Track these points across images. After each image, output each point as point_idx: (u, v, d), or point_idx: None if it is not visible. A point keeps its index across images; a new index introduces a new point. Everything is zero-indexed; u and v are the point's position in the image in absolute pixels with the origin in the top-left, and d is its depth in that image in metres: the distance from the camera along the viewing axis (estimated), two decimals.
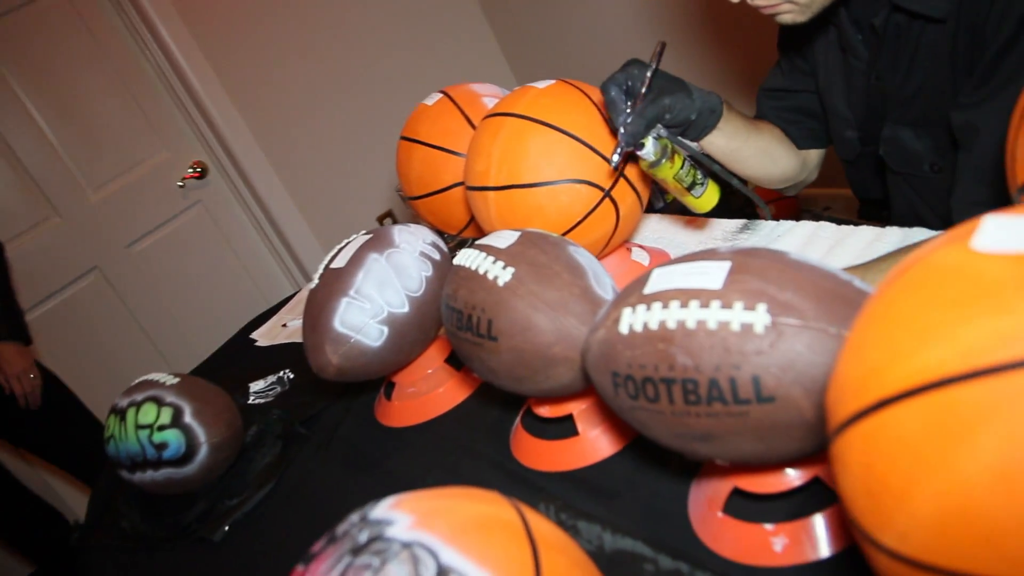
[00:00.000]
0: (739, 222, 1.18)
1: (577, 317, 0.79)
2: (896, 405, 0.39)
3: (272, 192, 2.90)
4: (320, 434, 1.22)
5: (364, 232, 1.14)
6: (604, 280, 0.83)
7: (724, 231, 1.18)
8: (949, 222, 0.88)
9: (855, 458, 0.41)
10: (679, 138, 0.96)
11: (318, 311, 1.05)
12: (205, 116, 2.79)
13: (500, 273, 0.82)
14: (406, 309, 1.05)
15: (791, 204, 2.41)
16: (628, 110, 0.92)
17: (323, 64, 2.95)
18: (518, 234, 0.86)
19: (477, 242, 0.89)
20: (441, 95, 1.28)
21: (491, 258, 0.84)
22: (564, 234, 1.03)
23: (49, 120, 2.61)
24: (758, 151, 1.10)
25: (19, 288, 2.21)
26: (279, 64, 2.86)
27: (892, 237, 0.99)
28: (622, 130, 0.91)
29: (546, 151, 1.00)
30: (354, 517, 0.55)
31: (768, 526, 0.69)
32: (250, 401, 1.41)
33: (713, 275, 0.62)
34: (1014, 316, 0.35)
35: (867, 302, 0.45)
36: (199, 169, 2.87)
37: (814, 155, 1.22)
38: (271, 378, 1.44)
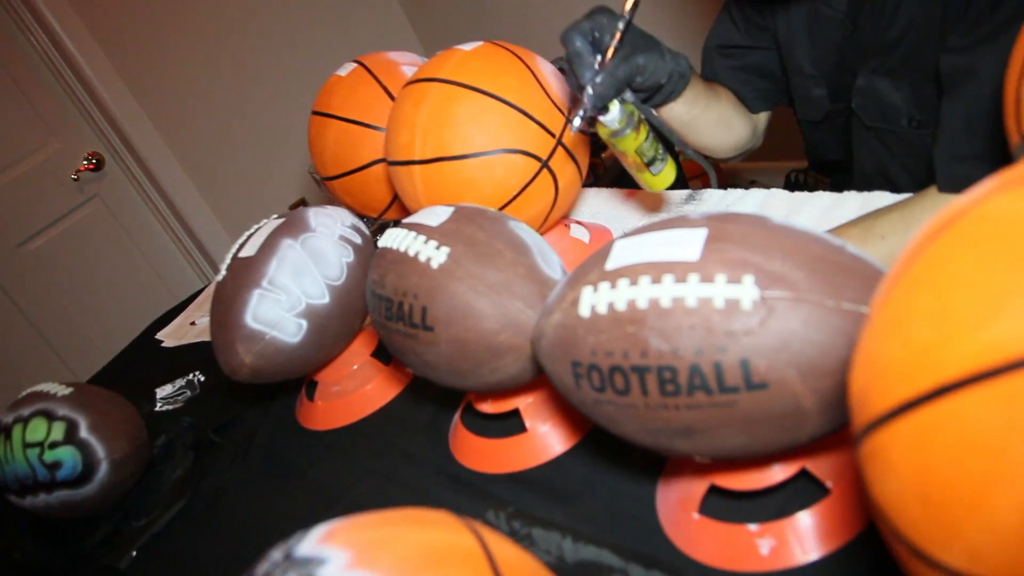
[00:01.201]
0: (683, 193, 1.10)
1: (524, 300, 0.69)
2: (962, 392, 0.30)
3: (174, 182, 2.72)
4: (236, 442, 1.09)
5: (276, 216, 1.02)
6: (551, 258, 0.74)
7: (668, 203, 1.11)
8: (923, 182, 0.81)
9: (904, 458, 0.33)
10: (645, 106, 0.86)
11: (227, 306, 0.93)
12: (98, 103, 2.58)
13: (434, 254, 0.72)
14: (326, 300, 0.94)
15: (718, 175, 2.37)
16: (596, 66, 0.79)
17: (222, 40, 2.77)
18: (452, 210, 0.77)
19: (405, 220, 0.79)
20: (355, 64, 1.16)
21: (422, 238, 0.74)
22: (500, 209, 0.93)
23: None
24: (716, 119, 1.01)
25: None
26: (176, 43, 2.67)
27: (851, 203, 0.92)
28: (589, 89, 0.79)
29: (477, 118, 0.90)
30: (276, 555, 0.45)
31: (752, 527, 0.61)
32: (157, 408, 1.27)
33: (688, 244, 0.54)
34: None
35: (897, 267, 0.37)
36: (94, 160, 2.66)
37: (763, 119, 1.14)
38: (180, 382, 1.31)
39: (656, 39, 0.86)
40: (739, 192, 1.04)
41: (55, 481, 0.99)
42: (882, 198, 0.90)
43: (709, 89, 1.00)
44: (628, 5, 0.78)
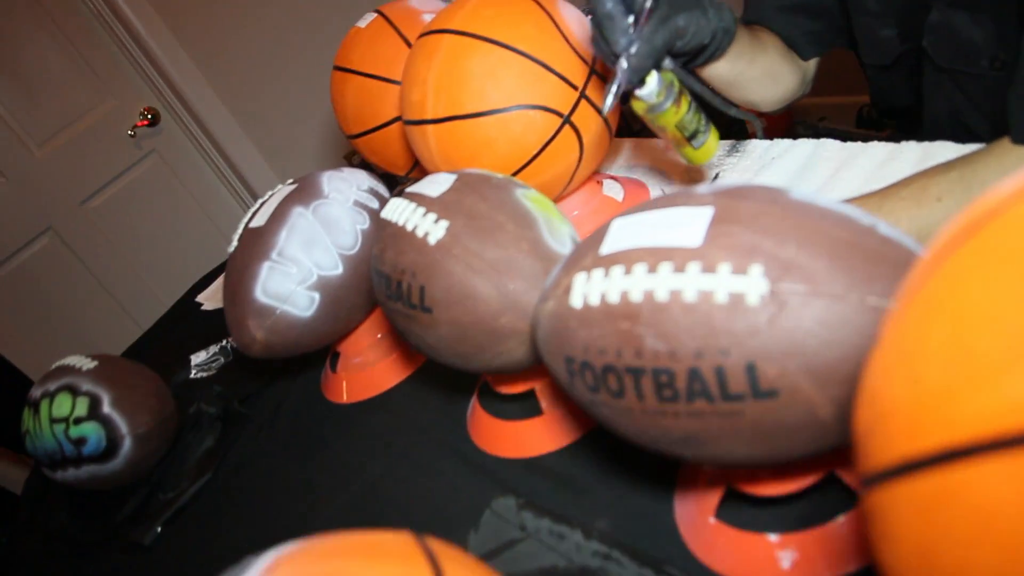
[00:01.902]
0: (726, 144, 1.01)
1: (527, 280, 0.63)
2: (975, 461, 0.23)
3: (230, 135, 2.71)
4: (262, 413, 1.07)
5: (290, 182, 0.97)
6: (560, 229, 0.67)
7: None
8: (1005, 131, 0.70)
9: (906, 527, 0.27)
10: (687, 72, 0.74)
11: (237, 279, 0.89)
12: (150, 57, 2.57)
13: (431, 228, 0.66)
14: (339, 270, 0.89)
15: (782, 117, 2.23)
16: (631, 32, 0.67)
17: None
18: (454, 178, 0.70)
19: (408, 189, 0.73)
20: (375, 15, 1.10)
21: (421, 209, 0.68)
22: (519, 170, 0.86)
23: None
24: (762, 73, 0.89)
25: None
26: None
27: (910, 155, 0.82)
28: (623, 62, 0.66)
29: (491, 73, 0.83)
30: None
31: (772, 536, 0.54)
32: (192, 375, 1.26)
33: (690, 226, 0.47)
34: None
35: (915, 277, 0.30)
36: (149, 116, 2.67)
37: (813, 65, 1.02)
38: (214, 348, 1.30)
39: None
40: (786, 143, 0.94)
41: (81, 456, 0.99)
42: (944, 149, 0.80)
43: (754, 39, 0.88)
44: None
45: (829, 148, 0.89)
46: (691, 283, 0.44)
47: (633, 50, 0.66)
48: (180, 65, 2.60)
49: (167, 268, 2.79)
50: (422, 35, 0.89)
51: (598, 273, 0.49)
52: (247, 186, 2.81)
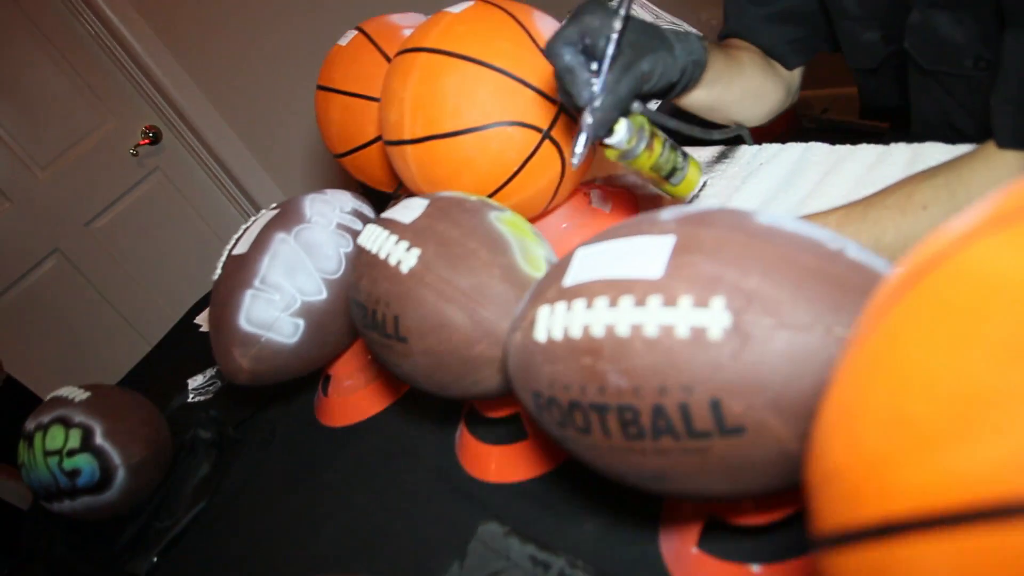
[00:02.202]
0: (715, 150, 0.99)
1: (500, 307, 0.62)
2: (914, 538, 0.22)
3: (231, 149, 2.71)
4: (257, 438, 1.06)
5: (273, 206, 0.96)
6: (535, 253, 0.65)
7: (700, 161, 0.99)
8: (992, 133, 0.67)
9: None
10: (658, 112, 0.71)
11: (221, 308, 0.88)
12: (149, 76, 2.57)
13: (404, 256, 0.65)
14: (323, 295, 0.88)
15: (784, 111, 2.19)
16: (594, 82, 0.64)
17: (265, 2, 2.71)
18: (426, 203, 0.69)
19: (383, 215, 0.72)
20: (356, 32, 1.09)
21: (394, 237, 0.67)
22: (501, 187, 0.85)
23: None
24: (742, 94, 0.87)
25: None
26: (219, 9, 2.63)
27: (899, 157, 0.80)
28: (588, 118, 0.64)
29: (467, 90, 0.82)
30: None
31: (755, 567, 0.53)
32: (190, 399, 1.26)
33: (651, 257, 0.45)
34: None
35: (865, 322, 0.28)
36: (151, 134, 2.67)
37: (797, 74, 0.98)
38: (210, 371, 1.29)
39: (658, 29, 0.71)
40: (774, 148, 0.92)
41: (76, 488, 0.98)
42: (933, 150, 0.78)
43: (730, 61, 0.85)
44: None
45: (817, 152, 0.87)
46: (652, 317, 0.43)
47: (597, 103, 0.63)
48: (179, 82, 2.60)
49: (175, 284, 2.79)
50: (398, 53, 0.88)
51: (561, 307, 0.48)
52: (251, 200, 2.81)
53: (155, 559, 0.97)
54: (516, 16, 0.85)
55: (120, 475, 0.99)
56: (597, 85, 0.64)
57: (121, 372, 2.32)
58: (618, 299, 0.44)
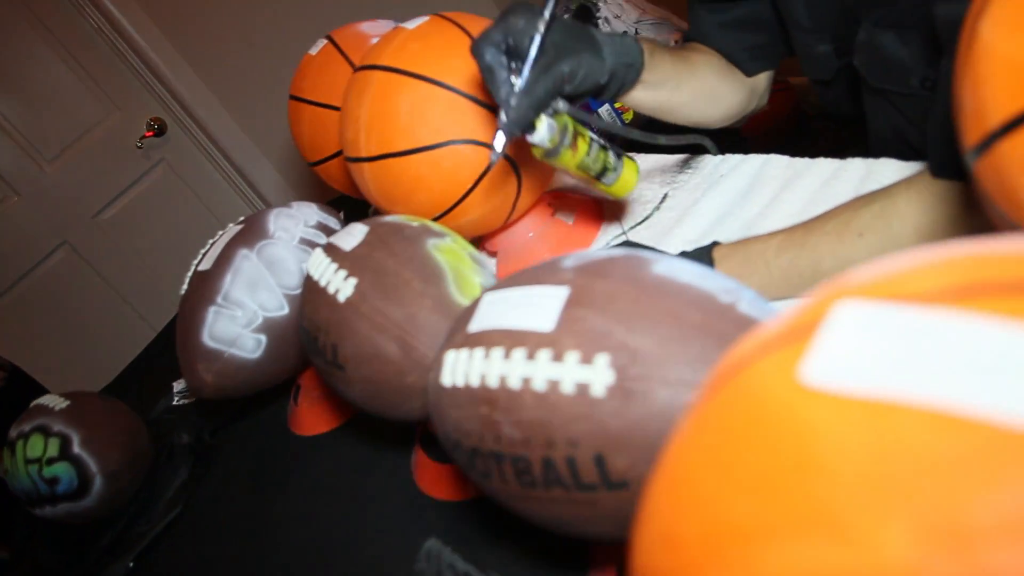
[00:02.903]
0: (680, 158, 0.99)
1: (432, 337, 0.62)
2: None
3: (234, 139, 2.73)
4: (232, 446, 1.09)
5: (240, 220, 0.98)
6: (470, 281, 0.66)
7: (664, 168, 0.99)
8: None
9: None
10: (587, 113, 0.73)
11: (186, 324, 0.90)
12: (152, 69, 2.59)
13: (341, 286, 0.66)
14: (285, 311, 0.90)
15: (784, 99, 2.17)
16: (513, 81, 0.66)
17: None
18: (367, 230, 0.70)
19: (328, 240, 0.73)
20: (325, 41, 1.09)
21: (334, 265, 0.68)
22: (456, 205, 0.85)
23: None
24: (693, 96, 0.86)
25: None
26: (221, 2, 2.63)
27: (854, 173, 0.79)
28: (503, 116, 0.65)
29: (419, 110, 0.82)
30: None
31: None
32: (175, 402, 1.28)
33: (546, 308, 0.45)
34: (855, 550, 0.19)
35: (681, 421, 0.28)
36: (156, 126, 2.70)
37: (764, 79, 0.97)
38: None
39: (588, 31, 0.71)
40: (736, 159, 0.92)
41: (56, 495, 1.01)
42: (887, 167, 0.77)
43: (681, 63, 0.85)
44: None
45: (776, 165, 0.87)
46: (541, 372, 0.43)
47: (513, 101, 0.64)
48: (182, 75, 2.62)
49: (182, 273, 2.80)
50: (356, 70, 0.88)
51: (464, 353, 0.48)
52: (254, 188, 2.84)
53: (131, 564, 0.99)
54: (470, 31, 0.85)
55: (98, 483, 1.02)
56: (517, 84, 0.65)
57: (131, 358, 2.36)
58: (511, 351, 0.45)
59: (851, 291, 0.23)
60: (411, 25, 0.86)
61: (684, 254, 0.75)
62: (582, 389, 0.42)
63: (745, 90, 0.92)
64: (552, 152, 0.69)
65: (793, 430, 0.21)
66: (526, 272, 0.50)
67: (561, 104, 0.69)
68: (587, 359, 0.42)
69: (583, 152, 0.71)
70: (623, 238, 0.91)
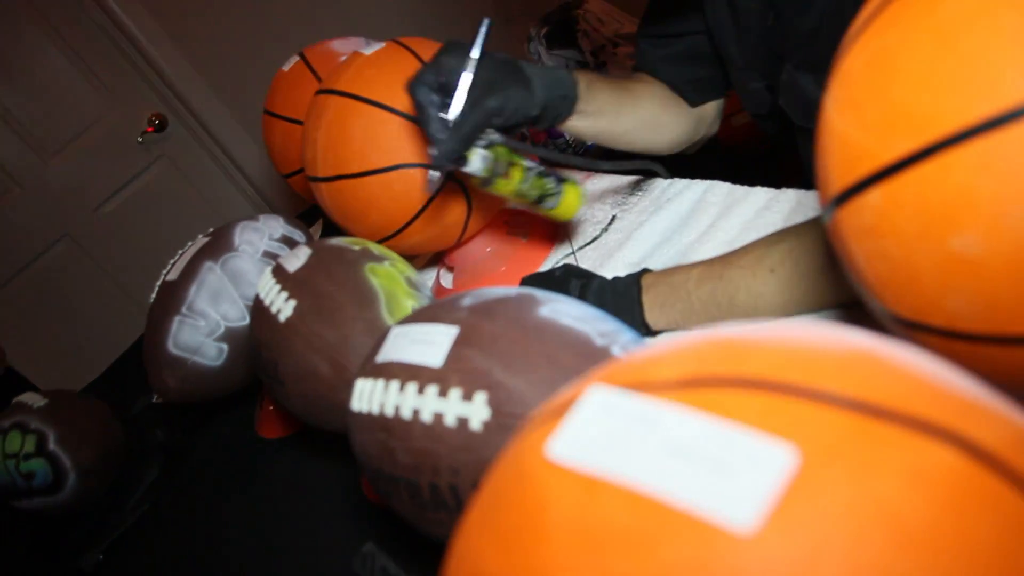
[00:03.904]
0: (632, 179, 1.02)
1: (361, 359, 0.66)
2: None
3: (233, 136, 2.78)
4: (203, 445, 1.13)
5: (209, 231, 1.02)
6: (402, 306, 0.70)
7: (616, 189, 1.03)
8: None
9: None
10: (521, 143, 0.77)
11: (153, 332, 0.95)
12: (153, 66, 2.64)
13: (283, 306, 0.70)
14: (247, 321, 0.94)
15: None
16: (444, 117, 0.70)
17: None
18: (310, 253, 0.74)
19: (278, 260, 0.77)
20: (297, 58, 1.13)
21: (278, 286, 0.72)
22: (407, 225, 0.89)
23: None
24: (635, 125, 0.90)
25: None
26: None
27: (784, 205, 0.83)
28: (432, 150, 0.70)
29: (371, 134, 0.86)
30: None
31: None
32: (154, 400, 1.33)
33: (438, 345, 0.50)
34: None
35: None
36: (156, 121, 2.75)
37: (711, 108, 1.01)
38: None
39: (518, 66, 0.75)
40: (683, 183, 0.95)
41: (32, 489, 1.06)
42: (814, 201, 0.80)
43: (622, 94, 0.88)
44: (480, 34, 0.69)
45: (717, 192, 0.90)
46: (428, 405, 0.47)
47: (441, 136, 0.69)
48: (182, 71, 2.66)
49: None
50: (316, 93, 0.92)
51: (369, 383, 0.53)
52: (252, 184, 2.88)
53: (101, 556, 1.04)
54: (423, 59, 0.89)
55: (72, 478, 1.07)
56: (448, 119, 0.69)
57: (132, 351, 2.41)
58: (406, 384, 0.49)
59: (606, 376, 0.27)
60: (368, 51, 0.90)
61: (616, 280, 0.79)
62: (463, 423, 0.46)
63: (691, 119, 0.96)
64: (487, 181, 0.74)
65: (533, 497, 0.25)
66: (430, 308, 0.55)
67: (496, 136, 0.73)
68: (468, 396, 0.46)
69: (517, 180, 0.75)
70: (571, 259, 0.95)
